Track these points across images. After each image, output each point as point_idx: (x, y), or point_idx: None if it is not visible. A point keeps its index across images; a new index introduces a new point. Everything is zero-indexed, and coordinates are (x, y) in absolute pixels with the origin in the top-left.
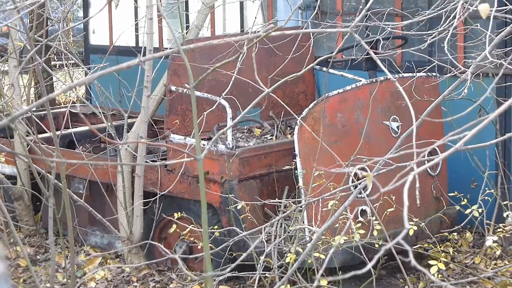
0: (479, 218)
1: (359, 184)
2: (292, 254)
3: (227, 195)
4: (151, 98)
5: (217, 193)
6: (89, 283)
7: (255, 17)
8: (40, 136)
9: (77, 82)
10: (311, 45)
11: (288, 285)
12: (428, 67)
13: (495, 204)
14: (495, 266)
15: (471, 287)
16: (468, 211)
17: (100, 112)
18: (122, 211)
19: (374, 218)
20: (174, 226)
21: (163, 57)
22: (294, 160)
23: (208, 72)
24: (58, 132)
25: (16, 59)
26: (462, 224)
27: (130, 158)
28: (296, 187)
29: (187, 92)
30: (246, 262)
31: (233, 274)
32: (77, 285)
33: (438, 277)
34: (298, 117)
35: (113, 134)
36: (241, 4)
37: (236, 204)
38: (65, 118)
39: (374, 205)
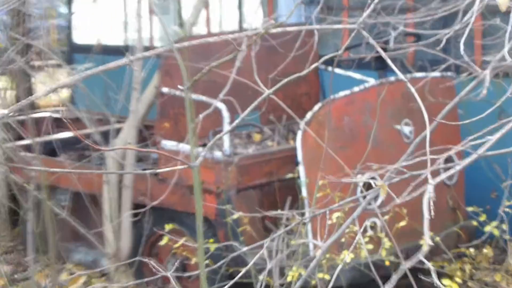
0: (499, 232)
1: (369, 194)
2: (294, 271)
3: (224, 207)
4: (141, 101)
5: (213, 204)
6: None
7: (255, 13)
8: (19, 143)
9: (59, 84)
10: (315, 43)
11: None
12: (443, 66)
13: None
14: None
15: None
16: (487, 228)
17: (85, 117)
18: (108, 225)
19: (384, 232)
20: (166, 238)
21: (154, 56)
22: (297, 168)
23: (203, 72)
24: (39, 139)
25: None
26: (481, 239)
27: (118, 167)
28: (299, 197)
29: (180, 94)
30: (244, 280)
31: None
32: None
33: None
34: (301, 121)
35: (99, 141)
36: None
37: (234, 216)
38: (46, 124)
39: (385, 218)
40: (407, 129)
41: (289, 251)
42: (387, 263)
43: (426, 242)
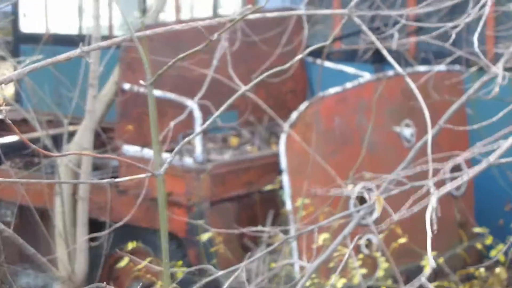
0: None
1: (363, 208)
2: None
3: (196, 223)
4: (99, 100)
5: (183, 219)
6: None
7: None
8: None
9: (3, 79)
10: (305, 34)
11: None
12: (450, 59)
13: None
14: None
15: None
16: (493, 253)
17: (33, 118)
18: (61, 243)
19: (381, 251)
20: (127, 259)
21: (114, 47)
22: (280, 177)
23: (169, 65)
24: None
25: None
26: (493, 259)
27: (72, 176)
28: (283, 212)
29: (145, 91)
30: None
31: None
32: None
33: None
34: (286, 122)
35: (49, 146)
36: None
37: (207, 234)
38: None
39: (381, 235)
40: (407, 132)
41: (271, 274)
42: None
43: (429, 263)
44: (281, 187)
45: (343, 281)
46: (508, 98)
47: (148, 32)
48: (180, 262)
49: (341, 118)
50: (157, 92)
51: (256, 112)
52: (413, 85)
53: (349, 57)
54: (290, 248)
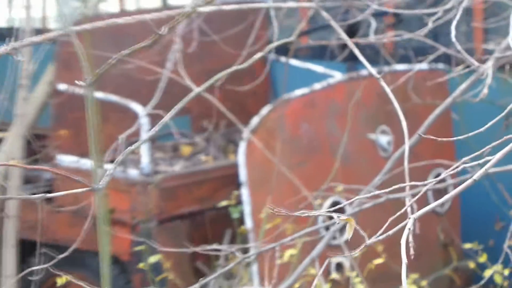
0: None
1: (332, 223)
2: None
3: (142, 244)
4: (30, 102)
5: (127, 240)
6: None
7: None
8: None
9: None
10: (270, 28)
11: None
12: (432, 57)
13: None
14: None
15: None
16: (487, 273)
17: None
18: None
19: (355, 274)
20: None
21: (48, 42)
22: (238, 191)
23: (111, 62)
24: None
25: None
26: (480, 283)
27: None
28: (241, 230)
29: (83, 92)
30: None
31: None
32: None
33: None
34: (245, 128)
35: None
36: None
37: (155, 257)
38: None
39: (354, 255)
40: (384, 139)
41: None
42: None
43: None
44: (239, 203)
45: None
46: (499, 100)
47: (87, 25)
48: None
49: (309, 123)
50: (98, 94)
51: (211, 116)
52: (387, 87)
53: (318, 54)
54: (250, 271)
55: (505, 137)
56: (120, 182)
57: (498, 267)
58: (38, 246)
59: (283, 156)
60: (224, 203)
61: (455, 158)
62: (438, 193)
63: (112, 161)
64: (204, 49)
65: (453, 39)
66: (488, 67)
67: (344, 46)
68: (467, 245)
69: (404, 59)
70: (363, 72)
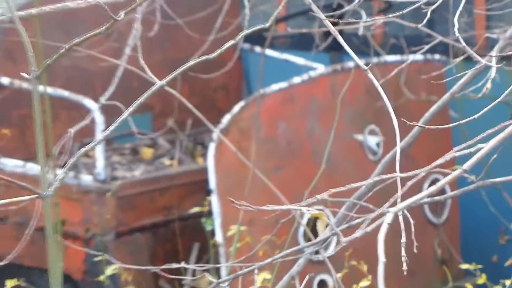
0: None
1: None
2: None
3: (97, 259)
4: None
5: (80, 256)
6: None
7: None
8: None
9: None
10: (242, 14)
11: None
12: (428, 46)
13: None
14: None
15: None
16: None
17: None
18: None
19: None
20: None
21: None
22: (208, 199)
23: (61, 52)
24: None
25: None
26: None
27: None
28: (211, 244)
29: (28, 87)
30: None
31: None
32: None
33: None
34: (215, 128)
35: None
36: None
37: (110, 271)
38: None
39: (339, 274)
40: (373, 141)
41: None
42: None
43: None
44: (209, 213)
45: None
46: (503, 96)
47: (34, 10)
48: None
49: (287, 122)
50: (46, 88)
51: (176, 114)
52: (375, 81)
53: (298, 43)
54: None
55: (501, 124)
56: (72, 190)
57: (508, 282)
58: None
59: (258, 160)
60: (195, 209)
61: (454, 162)
62: (435, 202)
63: (63, 165)
64: (167, 36)
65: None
66: (492, 58)
67: (327, 34)
68: (465, 266)
69: (396, 49)
70: (349, 64)
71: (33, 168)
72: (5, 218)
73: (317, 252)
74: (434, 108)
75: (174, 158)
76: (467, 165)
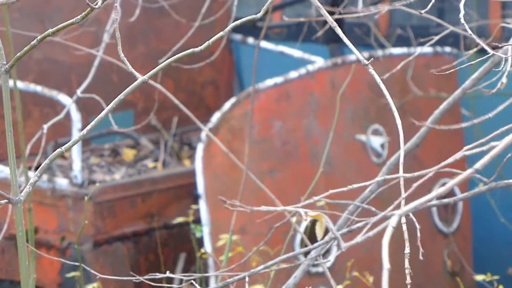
0: None
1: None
2: None
3: (74, 270)
4: None
5: (55, 267)
6: None
7: None
8: None
9: None
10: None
11: None
12: (437, 38)
13: None
14: None
15: None
16: None
17: None
18: None
19: None
20: None
21: None
22: (193, 208)
23: (33, 44)
24: None
25: None
26: None
27: None
28: (200, 254)
29: None
30: None
31: None
32: None
33: None
34: (203, 127)
35: None
36: None
37: (90, 286)
38: None
39: (340, 286)
40: (377, 141)
41: None
42: None
43: None
44: (197, 220)
45: None
46: None
47: None
48: None
49: (283, 121)
50: (17, 83)
51: (161, 112)
52: (377, 77)
53: (294, 34)
54: None
55: None
56: (46, 194)
57: None
58: None
59: (251, 162)
60: (180, 219)
61: (465, 164)
62: (445, 208)
63: (36, 168)
64: (151, 25)
65: (462, 20)
66: (508, 50)
67: (326, 24)
68: (480, 277)
69: (402, 41)
70: (350, 57)
71: (2, 170)
72: None
73: (315, 264)
74: (444, 105)
75: (158, 160)
76: (479, 164)
